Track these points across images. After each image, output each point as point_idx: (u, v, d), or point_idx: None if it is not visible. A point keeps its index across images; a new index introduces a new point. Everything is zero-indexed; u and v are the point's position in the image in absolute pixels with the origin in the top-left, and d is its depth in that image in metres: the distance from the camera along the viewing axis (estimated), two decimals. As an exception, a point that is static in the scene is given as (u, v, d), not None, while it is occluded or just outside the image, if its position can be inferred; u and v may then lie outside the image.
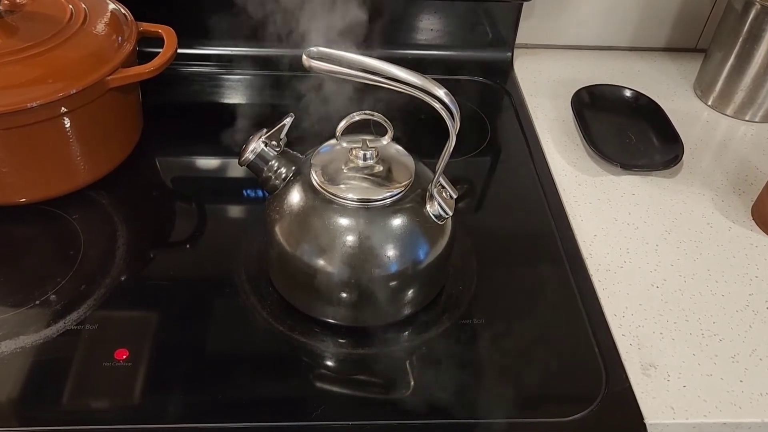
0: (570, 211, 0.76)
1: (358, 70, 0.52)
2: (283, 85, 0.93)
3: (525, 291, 0.67)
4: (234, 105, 0.92)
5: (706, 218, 0.78)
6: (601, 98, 0.90)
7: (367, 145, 0.58)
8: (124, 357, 0.58)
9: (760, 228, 0.77)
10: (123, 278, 0.66)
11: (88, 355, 0.59)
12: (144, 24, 0.75)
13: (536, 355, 0.62)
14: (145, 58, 0.74)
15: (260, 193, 0.78)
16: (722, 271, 0.71)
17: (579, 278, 0.69)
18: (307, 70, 0.52)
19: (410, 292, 0.61)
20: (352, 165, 0.59)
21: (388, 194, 0.57)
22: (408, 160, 0.61)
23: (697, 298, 0.68)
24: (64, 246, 0.69)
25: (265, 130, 0.60)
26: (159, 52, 0.73)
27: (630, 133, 0.87)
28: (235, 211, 0.78)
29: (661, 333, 0.65)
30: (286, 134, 0.61)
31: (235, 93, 0.94)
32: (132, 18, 0.74)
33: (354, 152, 0.59)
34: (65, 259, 0.67)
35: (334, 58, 0.52)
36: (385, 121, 0.57)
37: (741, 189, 0.82)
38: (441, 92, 0.52)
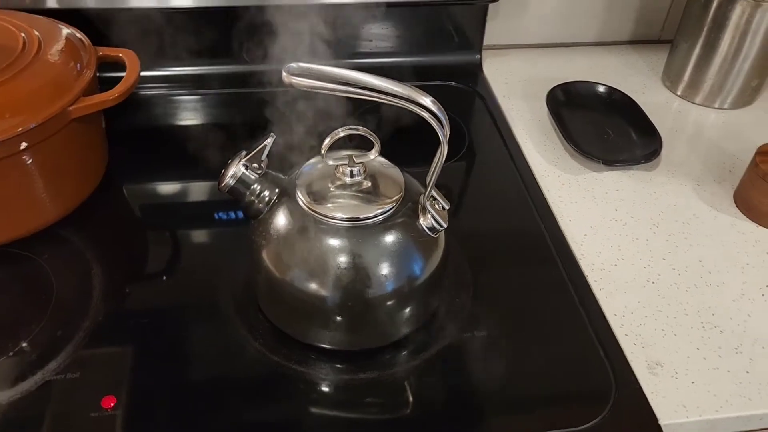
0: (557, 212, 0.75)
1: (341, 84, 0.50)
2: (253, 102, 0.90)
3: (523, 298, 0.66)
4: (201, 126, 0.89)
5: (691, 209, 0.77)
6: (575, 95, 0.90)
7: (354, 161, 0.56)
8: (112, 405, 0.55)
9: (745, 214, 0.77)
10: (101, 318, 0.62)
11: (73, 407, 0.55)
12: (103, 48, 0.71)
13: (542, 363, 0.60)
14: (106, 84, 0.70)
15: (233, 215, 0.75)
16: (714, 261, 0.71)
17: (575, 280, 0.67)
18: (287, 87, 0.50)
19: (408, 310, 0.58)
20: (339, 182, 0.57)
21: (379, 211, 0.55)
22: (396, 173, 0.59)
23: (693, 290, 0.68)
24: (35, 290, 0.64)
25: (244, 152, 0.57)
26: (120, 77, 0.69)
27: (607, 128, 0.86)
28: (211, 236, 0.74)
29: (662, 329, 0.64)
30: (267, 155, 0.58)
31: (202, 113, 0.90)
32: (89, 43, 0.71)
33: (341, 169, 0.56)
34: (37, 304, 0.63)
35: (315, 73, 0.50)
36: (371, 135, 0.55)
37: (721, 177, 0.82)
38: (427, 100, 0.50)
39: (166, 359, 0.59)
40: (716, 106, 0.94)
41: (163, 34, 0.85)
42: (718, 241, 0.73)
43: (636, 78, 0.99)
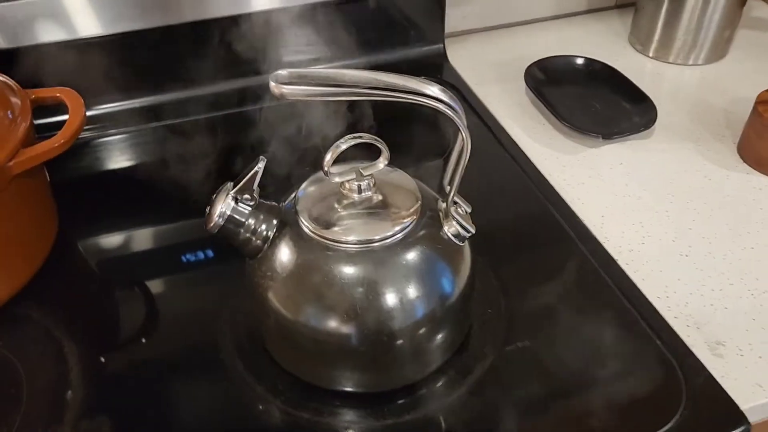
0: (566, 197, 0.69)
1: (338, 86, 0.42)
2: (214, 127, 0.81)
3: (557, 295, 0.59)
4: (158, 162, 0.79)
5: (700, 171, 0.73)
6: (553, 71, 0.84)
7: (362, 174, 0.49)
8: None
9: (754, 168, 0.73)
10: (84, 401, 0.53)
11: None
12: (35, 91, 0.61)
13: (599, 367, 0.54)
14: (42, 131, 0.61)
15: (203, 254, 0.66)
16: (739, 222, 0.66)
17: (606, 266, 0.61)
18: (277, 99, 0.42)
19: (442, 335, 0.51)
20: (346, 201, 0.49)
21: (398, 228, 0.48)
22: (407, 180, 0.52)
23: (729, 257, 0.63)
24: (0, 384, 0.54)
25: (230, 184, 0.49)
26: (59, 122, 0.60)
27: (592, 101, 0.81)
28: (186, 281, 0.65)
29: (711, 305, 0.58)
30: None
31: (156, 149, 0.81)
32: (18, 87, 0.61)
33: (347, 185, 0.49)
34: (7, 401, 0.53)
35: (307, 77, 0.42)
36: (378, 141, 0.48)
37: (719, 133, 0.78)
38: (435, 89, 0.44)
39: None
40: (690, 63, 0.91)
41: (92, 68, 0.76)
42: (738, 201, 0.69)
43: (603, 46, 0.95)
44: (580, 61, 0.86)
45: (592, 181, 0.72)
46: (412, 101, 0.43)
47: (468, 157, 0.46)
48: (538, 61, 0.85)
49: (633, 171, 0.73)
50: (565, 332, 0.56)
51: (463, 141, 0.46)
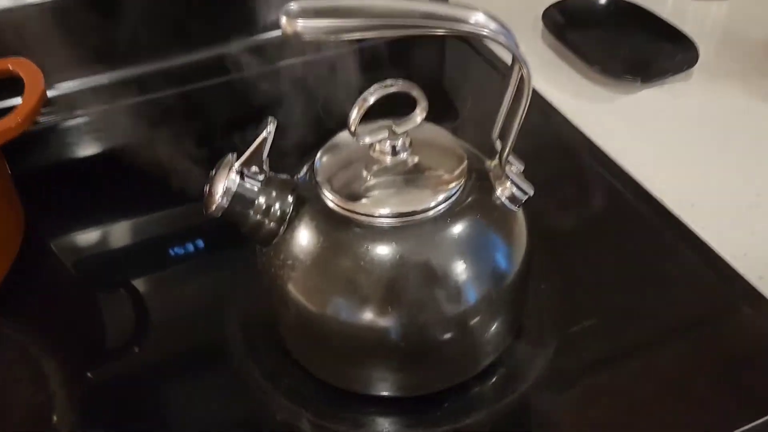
0: (611, 152, 0.61)
1: (365, 18, 0.33)
2: (201, 99, 0.71)
3: (620, 263, 0.51)
4: (135, 143, 0.69)
5: (750, 112, 0.65)
6: (574, 13, 0.75)
7: (395, 133, 0.39)
8: None
9: (809, 104, 0.65)
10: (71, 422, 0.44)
11: None
12: (-18, 64, 0.51)
13: (691, 343, 0.46)
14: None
15: (192, 246, 0.57)
16: (807, 164, 0.59)
17: (671, 226, 0.53)
18: (290, 38, 0.33)
19: (498, 322, 0.42)
20: (377, 167, 0.40)
21: (443, 195, 0.39)
22: (446, 136, 0.43)
23: (805, 201, 0.55)
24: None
25: (233, 156, 0.39)
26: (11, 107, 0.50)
27: (622, 43, 0.73)
28: (179, 278, 0.56)
29: (798, 261, 0.51)
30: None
31: (129, 127, 0.70)
32: (-38, 60, 0.51)
33: (377, 147, 0.40)
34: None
35: (326, 11, 0.33)
36: (414, 88, 0.38)
37: (762, 68, 0.70)
38: (480, 17, 0.35)
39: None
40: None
41: (50, 39, 0.65)
42: (799, 139, 0.61)
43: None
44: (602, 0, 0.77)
45: (636, 131, 0.63)
46: (453, 33, 0.35)
47: (530, 97, 0.37)
48: (558, 2, 0.76)
49: (677, 116, 0.65)
50: (636, 305, 0.48)
51: (523, 77, 0.36)
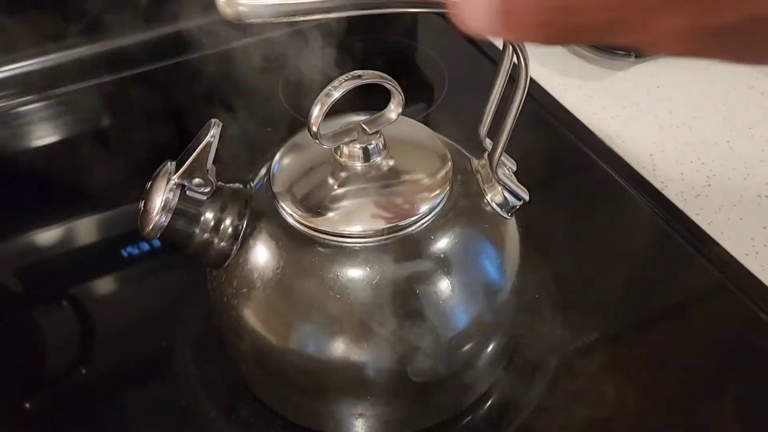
0: (602, 134, 0.55)
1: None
2: (144, 86, 0.64)
3: (622, 266, 0.46)
4: (67, 139, 0.62)
5: (755, 87, 0.59)
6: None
7: (366, 132, 0.33)
8: None
9: (815, 80, 0.60)
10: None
11: None
12: None
13: (704, 353, 0.41)
14: None
15: (147, 244, 0.50)
16: (817, 146, 0.54)
17: (673, 220, 0.48)
18: (230, 21, 0.26)
19: (493, 346, 0.37)
20: (346, 174, 0.34)
21: (425, 206, 0.33)
22: (427, 134, 0.37)
23: (818, 192, 0.50)
24: None
25: (172, 164, 0.33)
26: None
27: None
28: (132, 282, 0.49)
29: (813, 257, 0.46)
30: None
31: (61, 122, 0.63)
32: None
33: (345, 150, 0.33)
34: None
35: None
36: (386, 80, 0.32)
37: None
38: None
39: None
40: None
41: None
42: (809, 120, 0.56)
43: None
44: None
45: (628, 111, 0.58)
46: (424, 10, 0.28)
47: (527, 88, 0.31)
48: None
49: (674, 94, 0.59)
50: (643, 313, 0.43)
51: (519, 62, 0.30)
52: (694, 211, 0.49)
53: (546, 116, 0.57)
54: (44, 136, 0.62)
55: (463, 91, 0.60)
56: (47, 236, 0.53)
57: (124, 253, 0.51)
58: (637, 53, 0.60)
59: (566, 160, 0.55)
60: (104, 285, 0.49)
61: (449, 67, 0.63)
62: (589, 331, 0.41)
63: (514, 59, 0.31)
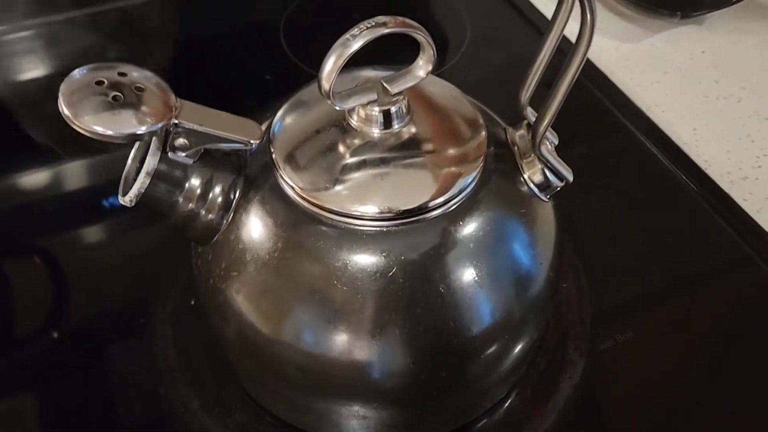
0: (640, 102, 0.50)
1: None
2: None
3: (661, 257, 0.41)
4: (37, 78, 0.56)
5: (812, 58, 0.54)
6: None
7: (388, 92, 0.27)
8: None
9: None
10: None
11: None
12: None
13: (738, 362, 0.36)
14: None
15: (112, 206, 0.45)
16: None
17: (717, 206, 0.43)
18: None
19: (520, 347, 0.32)
20: (360, 141, 0.28)
21: (455, 187, 0.27)
22: (458, 97, 0.31)
23: None
24: None
25: (151, 120, 0.27)
26: None
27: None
28: (114, 237, 0.44)
29: None
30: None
31: (36, 57, 0.57)
32: None
33: (362, 113, 0.28)
34: None
35: None
36: (417, 30, 0.26)
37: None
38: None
39: None
40: None
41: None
42: None
43: None
44: None
45: (669, 77, 0.52)
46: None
47: (590, 44, 0.25)
48: None
49: (723, 61, 0.53)
50: (683, 313, 0.38)
51: (583, 10, 0.25)
52: (741, 196, 0.44)
53: (578, 78, 0.51)
54: (20, 72, 0.55)
55: (487, 45, 0.54)
56: (19, 183, 0.48)
57: (104, 206, 0.46)
58: (683, 12, 0.54)
59: (598, 130, 0.49)
60: (80, 243, 0.44)
61: (472, 17, 0.56)
62: (622, 328, 0.37)
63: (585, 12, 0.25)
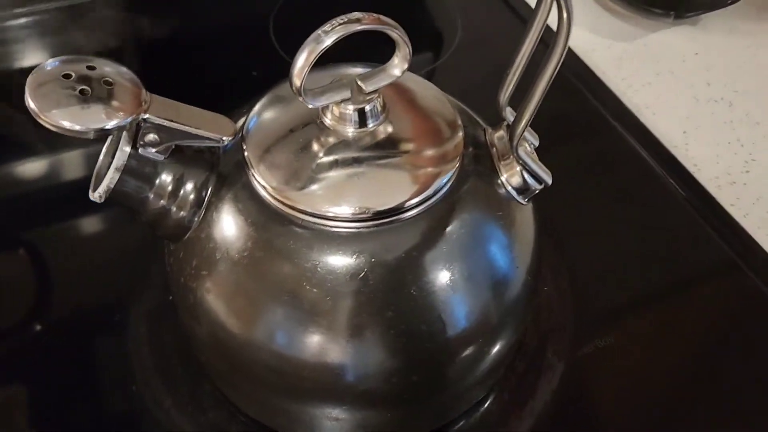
0: (629, 103, 0.49)
1: None
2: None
3: (645, 261, 0.40)
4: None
5: (807, 61, 0.53)
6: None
7: (362, 91, 0.27)
8: None
9: None
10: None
11: None
12: None
13: (724, 367, 0.36)
14: None
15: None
16: None
17: (705, 211, 0.42)
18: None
19: (497, 349, 0.31)
20: (333, 140, 0.28)
21: (430, 186, 0.27)
22: (436, 95, 0.30)
23: None
24: None
25: (124, 116, 0.27)
26: None
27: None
28: (80, 246, 0.43)
29: None
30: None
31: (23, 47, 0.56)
32: None
33: (336, 111, 0.27)
34: None
35: None
36: (391, 27, 0.26)
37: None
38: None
39: None
40: None
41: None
42: None
43: None
44: None
45: (661, 79, 0.51)
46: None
47: (567, 45, 0.25)
48: None
49: (714, 64, 0.52)
50: (666, 319, 0.38)
51: (560, 12, 0.24)
52: (729, 201, 0.43)
53: (568, 77, 0.51)
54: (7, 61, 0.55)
55: (478, 43, 0.54)
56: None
57: (83, 201, 0.45)
58: (677, 12, 0.53)
59: (587, 131, 0.49)
60: (59, 239, 0.43)
61: (463, 14, 0.56)
62: (603, 334, 0.36)
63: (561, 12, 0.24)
